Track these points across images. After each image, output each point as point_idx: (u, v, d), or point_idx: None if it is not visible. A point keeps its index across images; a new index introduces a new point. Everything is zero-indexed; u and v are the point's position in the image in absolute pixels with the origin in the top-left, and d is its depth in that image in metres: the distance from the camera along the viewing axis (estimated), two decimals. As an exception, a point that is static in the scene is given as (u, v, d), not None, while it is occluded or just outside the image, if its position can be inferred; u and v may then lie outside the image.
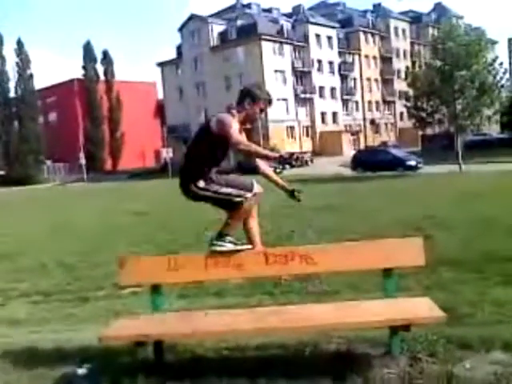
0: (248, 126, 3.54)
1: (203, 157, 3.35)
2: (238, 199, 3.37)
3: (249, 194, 3.37)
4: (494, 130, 50.19)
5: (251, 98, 3.39)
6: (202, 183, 3.35)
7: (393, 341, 3.13)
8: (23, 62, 58.14)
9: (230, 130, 3.21)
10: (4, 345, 4.06)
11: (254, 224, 3.56)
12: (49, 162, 58.96)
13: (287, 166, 3.36)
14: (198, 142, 3.42)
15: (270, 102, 3.51)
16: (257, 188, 3.43)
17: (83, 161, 49.61)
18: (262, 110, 3.46)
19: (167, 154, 47.37)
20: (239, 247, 3.41)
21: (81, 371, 3.39)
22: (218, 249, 3.41)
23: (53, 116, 67.68)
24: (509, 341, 3.12)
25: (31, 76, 58.85)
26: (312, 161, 44.94)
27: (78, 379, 3.28)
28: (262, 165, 3.66)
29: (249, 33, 54.50)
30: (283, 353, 3.37)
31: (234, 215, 3.44)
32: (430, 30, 67.09)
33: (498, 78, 27.55)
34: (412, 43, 73.12)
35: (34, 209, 22.07)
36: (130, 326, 3.38)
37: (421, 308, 3.05)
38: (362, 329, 3.28)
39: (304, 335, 3.47)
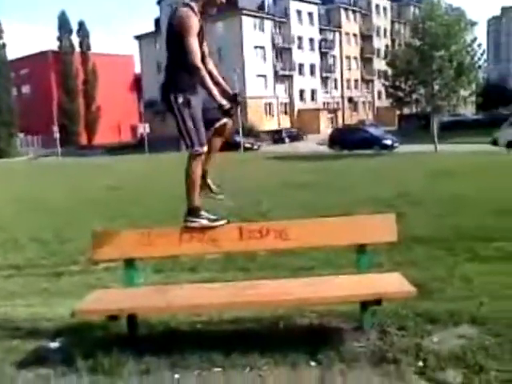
0: (213, 13, 3.42)
1: (178, 62, 3.27)
2: (188, 145, 3.31)
3: (197, 148, 3.29)
4: (469, 111, 50.87)
5: None
6: (180, 97, 3.28)
7: (364, 315, 3.19)
8: (-5, 30, 56.19)
9: (188, 36, 3.15)
10: (-24, 318, 4.01)
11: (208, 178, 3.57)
12: (22, 135, 57.59)
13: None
14: (168, 46, 3.34)
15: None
16: (205, 149, 3.34)
17: (57, 134, 48.52)
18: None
19: (144, 129, 46.72)
20: (214, 223, 3.39)
21: (53, 345, 3.38)
22: (193, 225, 3.38)
23: (26, 88, 65.85)
24: (476, 315, 3.21)
25: (3, 46, 56.91)
26: (305, 135, 45.20)
27: (50, 353, 3.26)
28: (209, 63, 3.49)
29: (229, 7, 53.51)
30: (257, 326, 3.41)
31: (186, 182, 3.37)
32: (411, 9, 67.06)
33: (475, 58, 27.78)
34: (393, 22, 73.08)
35: (4, 183, 21.62)
36: (103, 300, 3.36)
37: (391, 283, 3.10)
38: (335, 303, 3.33)
39: (278, 309, 3.51)
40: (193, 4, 3.26)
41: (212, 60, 3.56)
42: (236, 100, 3.48)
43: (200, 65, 3.19)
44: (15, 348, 3.33)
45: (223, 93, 3.55)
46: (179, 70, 3.29)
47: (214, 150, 3.54)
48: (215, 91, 3.23)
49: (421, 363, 2.66)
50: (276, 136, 47.28)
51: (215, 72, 3.56)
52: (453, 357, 2.68)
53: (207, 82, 3.20)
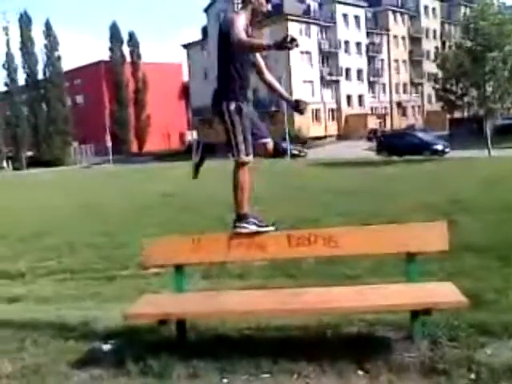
0: (260, 19, 3.49)
1: (229, 69, 3.32)
2: (234, 153, 3.35)
3: (243, 157, 3.33)
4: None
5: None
6: (233, 104, 3.32)
7: (414, 325, 3.12)
8: (51, 43, 58.71)
9: (233, 26, 3.18)
10: (32, 320, 4.20)
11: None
12: (75, 144, 59.84)
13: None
14: (219, 54, 3.40)
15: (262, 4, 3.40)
16: (251, 158, 3.38)
17: (109, 143, 50.20)
18: (268, 0, 3.39)
19: (192, 136, 47.53)
20: (262, 229, 3.42)
21: (106, 347, 3.50)
22: (241, 231, 3.42)
23: (80, 98, 68.43)
24: (531, 327, 3.08)
25: (59, 58, 59.49)
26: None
27: (103, 354, 3.38)
28: (267, 74, 3.59)
29: (275, 13, 53.79)
30: (304, 334, 3.40)
31: (235, 190, 3.42)
32: (462, 9, 65.12)
33: (531, 59, 26.66)
34: (442, 23, 71.19)
35: (61, 190, 22.51)
36: (153, 304, 3.45)
37: (443, 292, 3.03)
38: (383, 312, 3.28)
39: (325, 317, 3.49)
40: (241, 11, 3.36)
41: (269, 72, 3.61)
42: (299, 106, 3.52)
43: (244, 37, 3.16)
44: (70, 349, 3.46)
45: (286, 102, 3.62)
46: (232, 77, 3.34)
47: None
48: (263, 42, 3.26)
49: (473, 376, 2.58)
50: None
51: (275, 83, 3.64)
52: (507, 370, 2.58)
53: (254, 42, 3.24)
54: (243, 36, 3.16)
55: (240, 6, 3.44)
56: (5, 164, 56.01)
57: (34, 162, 54.03)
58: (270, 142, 3.56)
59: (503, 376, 2.54)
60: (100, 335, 3.68)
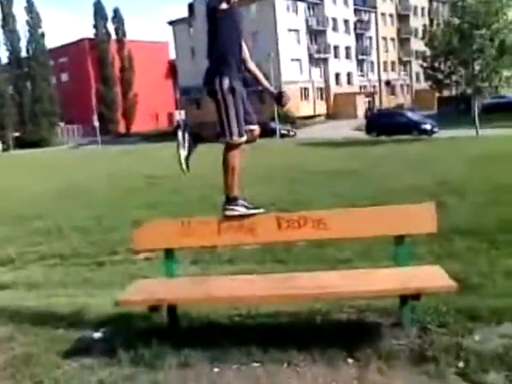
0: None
1: (218, 47, 3.27)
2: (226, 134, 3.28)
3: (235, 138, 3.27)
4: (513, 92, 48.96)
5: None
6: (226, 81, 3.24)
7: (403, 311, 3.15)
8: (34, 20, 57.41)
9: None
10: (22, 308, 4.18)
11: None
12: (62, 125, 59.05)
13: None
14: (209, 32, 3.32)
15: None
16: (244, 139, 3.32)
17: (96, 123, 49.61)
18: None
19: (180, 115, 47.15)
20: (251, 211, 3.39)
21: (96, 335, 3.49)
22: (230, 213, 3.39)
23: (65, 76, 67.31)
24: (520, 313, 3.12)
25: (42, 35, 58.23)
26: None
27: (93, 343, 3.37)
28: (251, 64, 3.54)
29: (262, -10, 53.09)
30: (295, 321, 3.42)
31: (225, 172, 3.37)
32: (450, -13, 64.73)
33: (519, 37, 26.64)
34: (430, 0, 70.73)
35: (48, 172, 22.29)
36: (144, 290, 3.43)
37: (431, 277, 3.03)
38: (373, 297, 3.30)
39: (315, 304, 3.51)
40: None
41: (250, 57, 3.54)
42: (281, 99, 3.49)
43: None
44: (60, 337, 3.45)
45: (269, 94, 3.57)
46: (223, 54, 3.26)
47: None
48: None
49: (462, 364, 2.61)
50: None
51: (259, 74, 3.58)
52: (495, 357, 2.61)
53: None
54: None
55: None
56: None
57: (20, 144, 53.28)
58: (256, 129, 3.50)
59: (491, 363, 2.57)
60: (91, 323, 3.67)
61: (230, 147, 3.32)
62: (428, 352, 2.73)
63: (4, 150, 52.36)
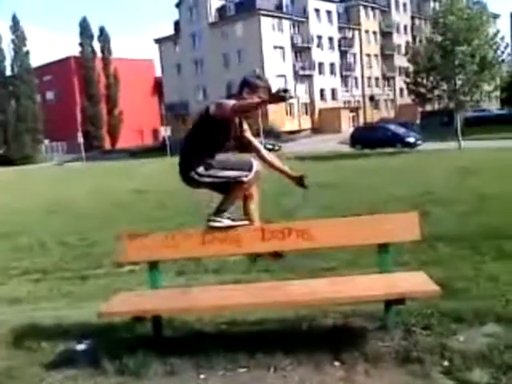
0: (248, 116, 3.51)
1: (204, 144, 3.32)
2: (238, 179, 3.35)
3: (248, 175, 3.33)
4: (493, 106, 49.89)
5: (250, 87, 3.35)
6: (201, 169, 3.31)
7: (388, 315, 3.17)
8: (19, 38, 57.23)
9: (222, 106, 3.19)
10: (5, 322, 4.11)
11: (253, 204, 3.51)
12: (46, 142, 58.64)
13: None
14: (197, 129, 3.37)
15: (269, 91, 3.37)
16: (256, 166, 3.38)
17: (81, 139, 49.35)
18: (263, 102, 3.33)
19: (165, 132, 47.15)
20: (236, 223, 3.42)
21: (80, 347, 3.45)
22: (216, 224, 3.40)
23: (50, 94, 67.05)
24: (502, 314, 3.16)
25: (27, 53, 58.06)
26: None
27: (77, 354, 3.32)
28: (266, 154, 3.61)
29: (247, 8, 53.68)
30: (281, 327, 3.41)
31: (231, 192, 3.43)
32: (431, 4, 66.00)
33: (499, 52, 27.23)
34: (413, 17, 72.10)
35: (32, 189, 22.06)
36: (128, 301, 3.41)
37: (415, 282, 3.07)
38: (358, 303, 3.31)
39: (301, 310, 3.51)
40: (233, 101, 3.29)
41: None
42: (303, 182, 3.56)
43: (232, 108, 3.15)
44: (43, 350, 3.41)
45: (289, 178, 3.60)
46: (202, 150, 3.31)
47: (252, 195, 3.51)
48: (255, 100, 3.25)
49: (446, 363, 2.63)
50: None
51: (256, 143, 3.61)
52: (479, 356, 2.64)
53: (253, 102, 3.23)
54: (233, 104, 3.16)
55: (244, 91, 3.36)
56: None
57: (3, 161, 52.72)
58: (250, 174, 3.41)
59: (475, 362, 2.59)
60: (74, 335, 3.62)
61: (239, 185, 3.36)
62: (413, 353, 2.75)
63: None
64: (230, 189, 3.42)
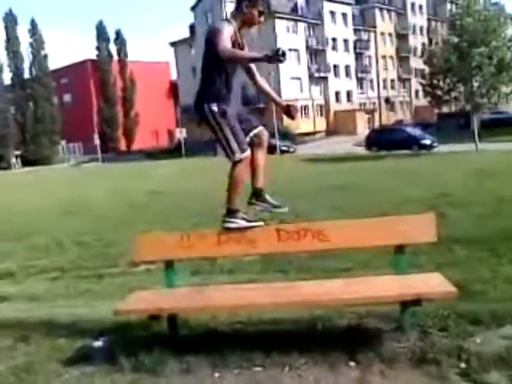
0: (251, 30, 3.44)
1: (212, 74, 3.32)
2: (228, 154, 3.34)
3: (237, 155, 3.32)
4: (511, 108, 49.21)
5: (249, 0, 3.33)
6: (215, 106, 3.31)
7: (404, 316, 3.15)
8: (37, 42, 57.96)
9: (217, 37, 3.16)
10: (23, 319, 4.17)
11: (259, 170, 3.54)
12: (63, 143, 59.35)
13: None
14: (204, 58, 3.37)
15: (268, 6, 3.37)
16: (246, 154, 3.36)
17: (97, 141, 49.86)
18: (260, 13, 3.36)
19: (180, 133, 47.43)
20: (251, 224, 3.43)
21: (97, 344, 3.48)
22: (231, 226, 3.42)
23: (67, 97, 67.81)
24: (520, 316, 3.12)
25: (45, 56, 58.78)
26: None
27: (94, 351, 3.36)
28: (260, 80, 3.60)
29: (262, 10, 53.72)
30: (296, 327, 3.41)
31: (229, 186, 3.42)
32: (448, 6, 65.53)
33: (517, 54, 26.93)
34: (429, 19, 71.59)
35: (50, 189, 22.33)
36: (144, 300, 3.44)
37: (432, 283, 3.05)
38: (373, 304, 3.30)
39: (316, 310, 3.51)
40: (231, 20, 3.36)
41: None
42: (290, 111, 3.53)
43: (227, 46, 3.14)
44: (61, 347, 3.45)
45: (277, 106, 3.61)
46: (215, 82, 3.32)
47: (257, 163, 3.52)
48: (250, 54, 3.26)
49: (463, 365, 2.61)
50: None
51: (267, 88, 3.64)
52: (497, 358, 2.61)
53: (238, 53, 3.21)
54: (227, 47, 3.14)
55: (229, 14, 3.41)
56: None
57: (22, 162, 53.53)
58: (262, 130, 3.54)
59: (493, 364, 2.57)
60: (91, 333, 3.66)
61: (234, 164, 3.37)
62: (429, 354, 2.73)
63: (3, 168, 52.49)
64: (229, 175, 3.40)
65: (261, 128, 3.55)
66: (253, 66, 3.54)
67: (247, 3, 3.33)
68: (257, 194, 3.54)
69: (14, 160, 54.51)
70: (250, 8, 3.33)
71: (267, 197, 3.57)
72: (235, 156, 3.33)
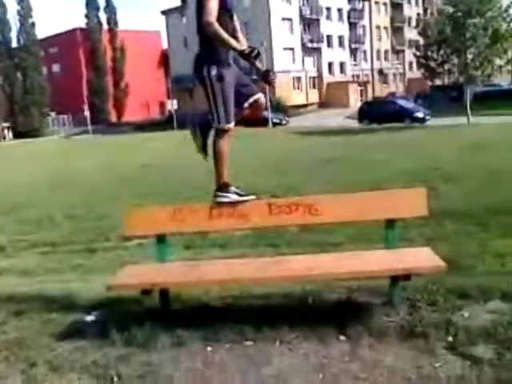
0: None
1: (208, 35, 3.22)
2: (214, 120, 3.30)
3: (222, 124, 3.29)
4: (505, 81, 49.03)
5: None
6: (214, 69, 3.27)
7: (393, 290, 3.18)
8: (24, 9, 56.53)
9: (205, 4, 3.11)
10: (15, 293, 4.17)
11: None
12: (53, 114, 58.59)
13: None
14: (198, 20, 3.28)
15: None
16: (230, 126, 3.33)
17: (87, 112, 49.26)
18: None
19: (172, 105, 46.95)
20: (243, 198, 3.41)
21: (89, 318, 3.50)
22: (222, 200, 3.41)
23: (56, 67, 66.63)
24: (507, 291, 3.17)
25: (33, 25, 57.38)
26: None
27: (86, 326, 3.38)
28: (242, 40, 3.48)
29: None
30: (287, 301, 3.44)
31: (215, 160, 3.40)
32: (444, -25, 64.54)
33: (512, 25, 26.66)
34: (424, -12, 70.58)
35: (39, 162, 22.15)
36: (136, 274, 3.44)
37: (421, 258, 3.08)
38: (363, 278, 3.33)
39: (307, 284, 3.54)
40: None
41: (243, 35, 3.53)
42: (268, 76, 3.46)
43: (212, 20, 3.10)
44: (53, 321, 3.45)
45: (256, 70, 3.53)
46: (213, 42, 3.24)
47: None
48: (231, 41, 3.17)
49: (451, 338, 2.65)
50: None
51: (237, 23, 3.52)
52: (484, 332, 2.65)
53: (221, 35, 3.12)
54: (213, 25, 3.08)
55: None
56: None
57: (13, 134, 52.97)
58: (261, 97, 3.51)
59: (480, 338, 2.61)
60: (83, 307, 3.67)
61: (218, 133, 3.34)
62: (418, 328, 2.77)
63: None
64: (213, 148, 3.37)
65: (260, 95, 3.52)
66: (237, 25, 3.46)
67: None
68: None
69: (5, 131, 53.89)
70: None
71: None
72: (220, 124, 3.30)
